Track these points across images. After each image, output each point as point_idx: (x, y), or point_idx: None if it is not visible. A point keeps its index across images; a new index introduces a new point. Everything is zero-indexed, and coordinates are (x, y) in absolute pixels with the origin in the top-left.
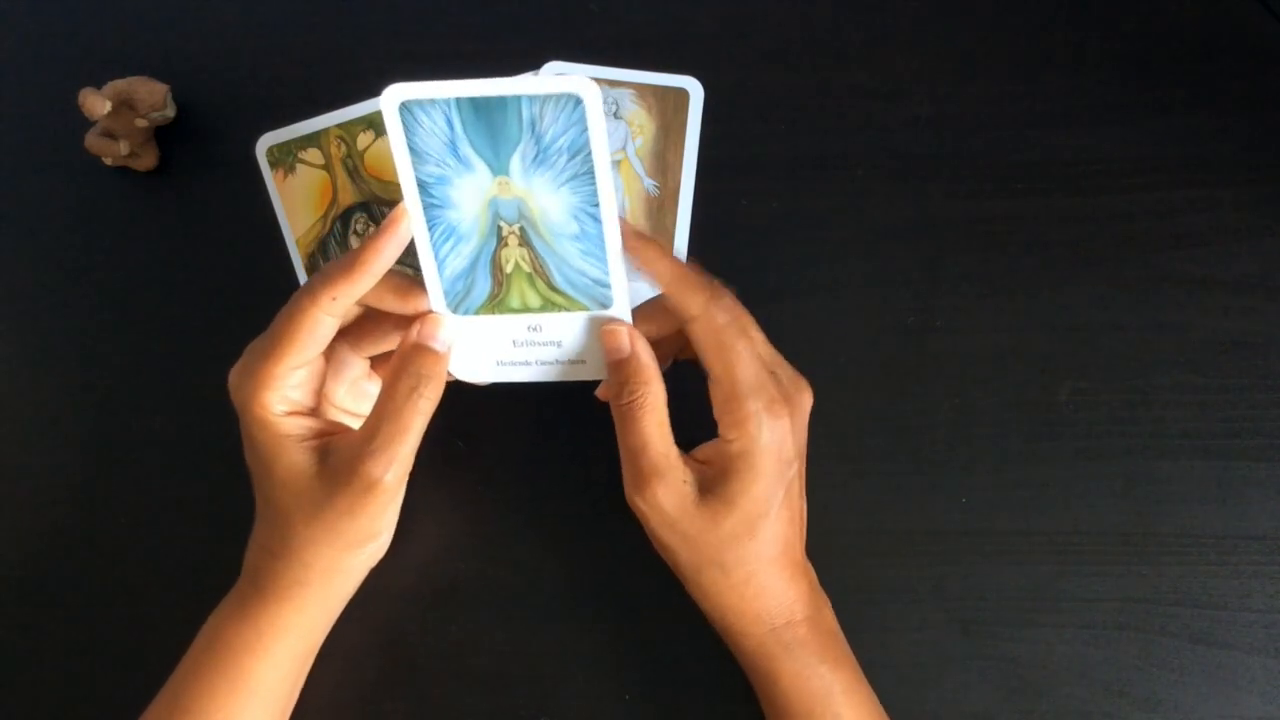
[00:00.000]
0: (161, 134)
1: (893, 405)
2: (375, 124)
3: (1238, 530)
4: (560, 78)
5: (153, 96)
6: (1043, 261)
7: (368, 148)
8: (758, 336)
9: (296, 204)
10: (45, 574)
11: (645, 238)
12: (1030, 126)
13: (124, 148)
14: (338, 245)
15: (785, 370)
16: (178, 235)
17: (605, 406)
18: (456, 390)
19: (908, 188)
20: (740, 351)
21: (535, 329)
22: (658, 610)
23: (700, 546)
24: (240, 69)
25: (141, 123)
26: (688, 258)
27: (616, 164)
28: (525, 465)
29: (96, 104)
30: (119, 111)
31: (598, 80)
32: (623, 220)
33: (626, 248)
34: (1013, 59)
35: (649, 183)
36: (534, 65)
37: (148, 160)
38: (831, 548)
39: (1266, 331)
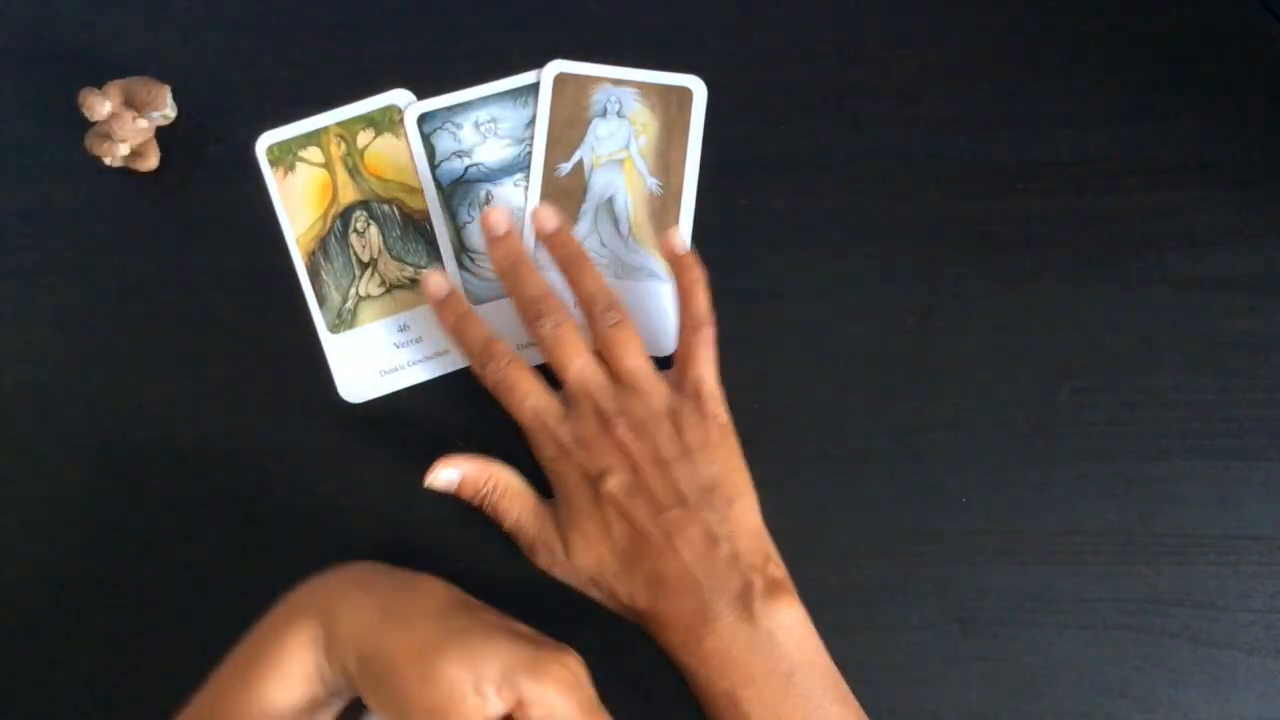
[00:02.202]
0: (161, 134)
1: (893, 405)
2: (375, 122)
3: (1238, 530)
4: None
5: (153, 97)
6: (1043, 261)
7: (367, 146)
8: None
9: (296, 203)
10: (44, 574)
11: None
12: (1030, 126)
13: (124, 148)
14: (338, 244)
15: None
16: (178, 235)
17: None
18: (455, 390)
19: (908, 188)
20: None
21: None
22: None
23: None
24: (240, 69)
25: (142, 123)
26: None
27: (619, 163)
28: (524, 465)
29: (96, 104)
30: (119, 112)
31: (602, 79)
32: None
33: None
34: (1013, 59)
35: (652, 181)
36: (533, 65)
37: (148, 160)
38: (831, 548)
39: (1266, 331)
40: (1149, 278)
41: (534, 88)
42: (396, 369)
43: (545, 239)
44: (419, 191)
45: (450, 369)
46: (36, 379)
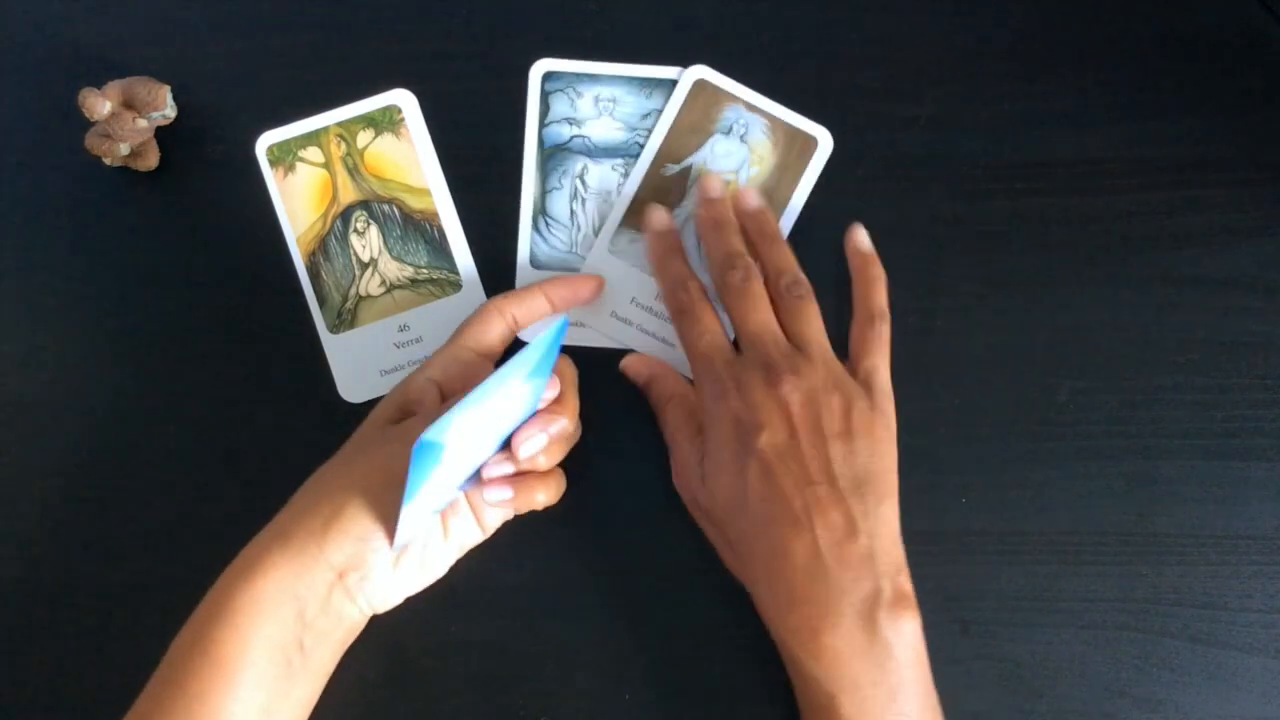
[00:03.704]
0: (161, 134)
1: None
2: (375, 122)
3: (1238, 530)
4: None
5: (153, 97)
6: (1043, 261)
7: (367, 146)
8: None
9: (297, 202)
10: (44, 574)
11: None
12: (1030, 126)
13: (124, 148)
14: (338, 244)
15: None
16: (178, 235)
17: (604, 408)
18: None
19: (908, 188)
20: (678, 334)
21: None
22: (657, 610)
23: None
24: (240, 69)
25: (142, 123)
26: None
27: (725, 184)
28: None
29: (96, 104)
30: (119, 112)
31: (737, 99)
32: None
33: None
34: (1013, 59)
35: None
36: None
37: (148, 160)
38: None
39: (1266, 331)
40: (1149, 278)
41: (662, 82)
42: (396, 369)
43: (744, 214)
44: (419, 191)
45: None
46: (36, 378)
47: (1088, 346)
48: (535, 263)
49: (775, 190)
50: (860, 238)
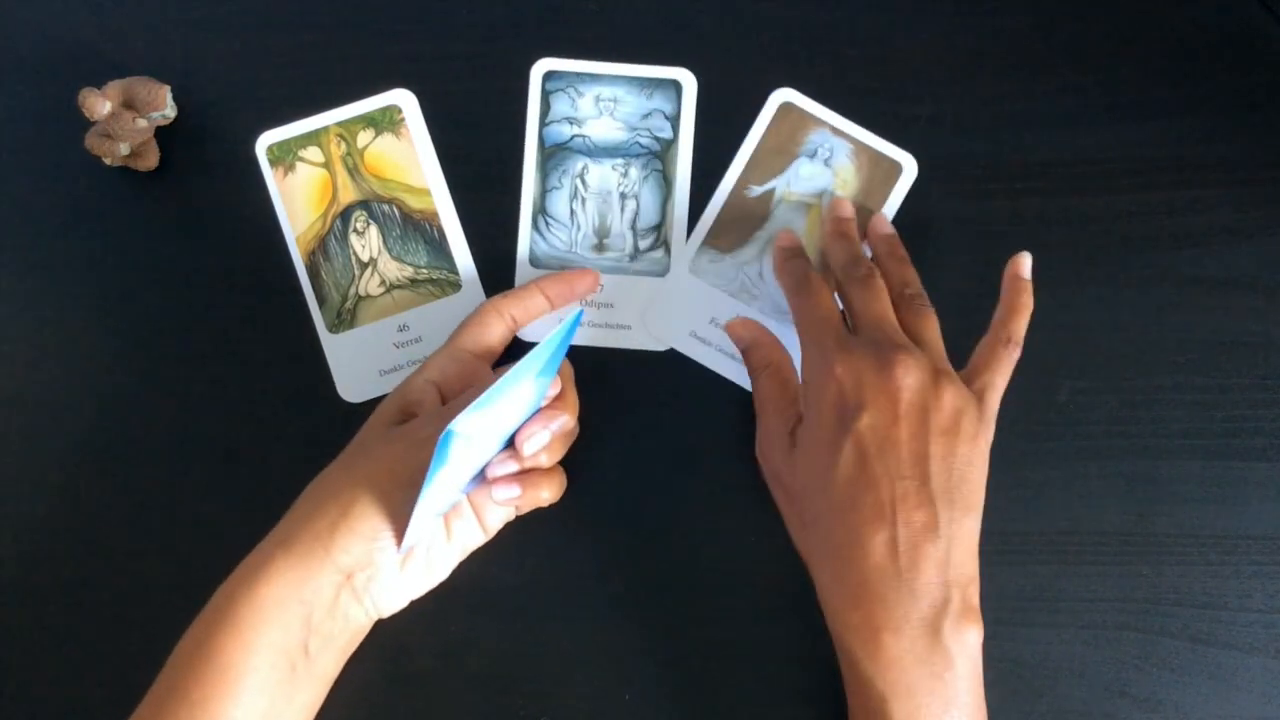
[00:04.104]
0: (161, 134)
1: None
2: (375, 122)
3: (1238, 530)
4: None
5: (153, 97)
6: (1043, 261)
7: (367, 146)
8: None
9: (297, 202)
10: (44, 574)
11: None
12: (1030, 126)
13: (124, 148)
14: (338, 243)
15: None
16: (178, 235)
17: (604, 411)
18: None
19: (908, 187)
20: (792, 307)
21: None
22: (657, 610)
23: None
24: (240, 69)
25: (142, 123)
26: None
27: (807, 207)
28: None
29: (96, 104)
30: (119, 112)
31: (823, 123)
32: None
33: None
34: (1013, 59)
35: None
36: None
37: (148, 160)
38: None
39: (1266, 331)
40: (1149, 278)
41: (663, 82)
42: (396, 369)
43: (877, 237)
44: (419, 191)
45: None
46: (36, 378)
47: (1088, 346)
48: (535, 261)
49: (858, 214)
50: (1024, 264)
